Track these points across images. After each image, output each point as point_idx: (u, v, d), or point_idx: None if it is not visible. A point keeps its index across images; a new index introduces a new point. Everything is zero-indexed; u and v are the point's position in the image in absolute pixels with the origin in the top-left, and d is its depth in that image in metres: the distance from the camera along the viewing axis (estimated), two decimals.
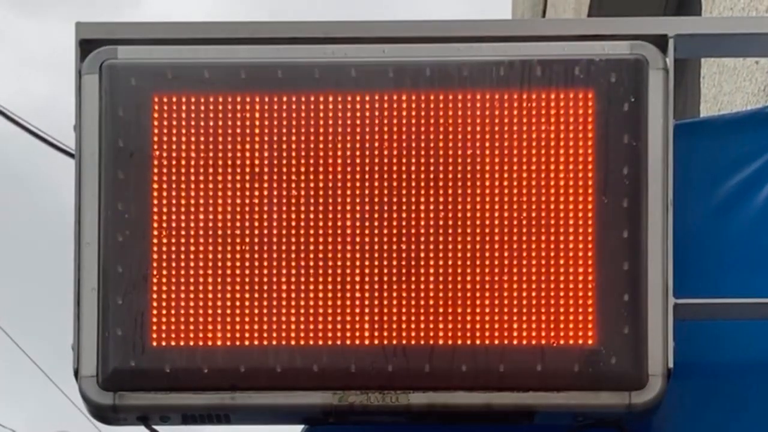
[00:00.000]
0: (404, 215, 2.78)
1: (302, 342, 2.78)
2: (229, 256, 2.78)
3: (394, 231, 2.78)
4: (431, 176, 2.78)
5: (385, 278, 2.77)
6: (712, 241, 3.00)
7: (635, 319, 2.75)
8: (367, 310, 2.78)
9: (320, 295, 2.78)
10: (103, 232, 2.79)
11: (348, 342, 2.78)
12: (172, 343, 2.78)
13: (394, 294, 2.77)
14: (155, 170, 2.79)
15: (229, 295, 2.78)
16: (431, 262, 2.77)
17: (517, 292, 2.76)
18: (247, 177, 2.79)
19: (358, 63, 2.80)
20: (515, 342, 2.76)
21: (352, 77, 2.79)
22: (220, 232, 2.79)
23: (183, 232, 2.79)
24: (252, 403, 2.81)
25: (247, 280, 2.78)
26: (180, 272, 2.78)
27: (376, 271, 2.78)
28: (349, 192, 2.78)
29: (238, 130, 2.79)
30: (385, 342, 2.77)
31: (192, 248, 2.79)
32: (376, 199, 2.78)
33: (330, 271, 2.78)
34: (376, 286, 2.77)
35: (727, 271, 2.99)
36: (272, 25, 2.89)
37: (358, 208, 2.79)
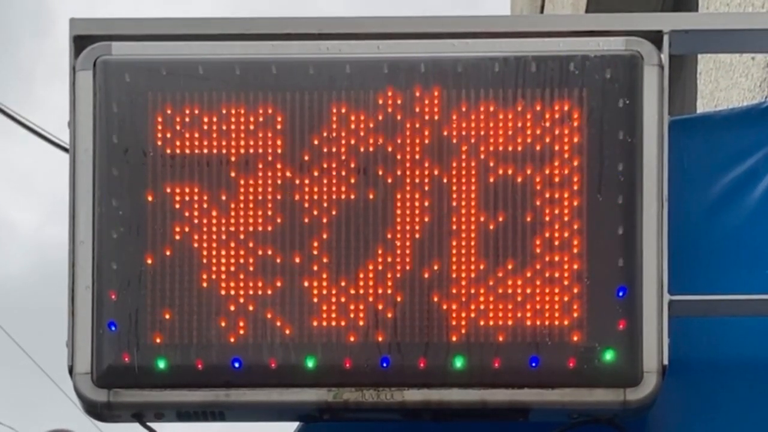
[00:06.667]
0: (399, 211, 2.78)
1: (297, 339, 2.77)
2: (223, 252, 2.78)
3: (389, 227, 2.77)
4: (425, 173, 2.77)
5: (380, 275, 2.77)
6: (708, 238, 3.00)
7: (630, 315, 2.74)
8: (362, 307, 2.77)
9: (315, 291, 2.78)
10: (98, 230, 2.79)
11: (343, 339, 2.77)
12: (167, 340, 2.78)
13: (389, 291, 2.77)
14: (150, 167, 2.78)
15: (223, 292, 2.78)
16: (426, 259, 2.77)
17: (511, 289, 2.76)
18: (242, 173, 2.78)
19: (353, 59, 2.80)
20: (510, 339, 2.75)
21: (347, 73, 2.78)
22: (214, 229, 2.78)
23: (177, 229, 2.78)
24: (247, 400, 2.80)
25: (241, 276, 2.78)
26: (174, 269, 2.78)
27: (370, 267, 2.77)
28: (344, 188, 2.78)
29: (233, 126, 2.78)
30: (380, 339, 2.77)
31: (186, 245, 2.78)
32: (371, 195, 2.78)
33: (325, 268, 2.78)
34: (371, 283, 2.77)
35: (723, 267, 2.99)
36: (266, 21, 2.88)
37: (353, 203, 2.78)
